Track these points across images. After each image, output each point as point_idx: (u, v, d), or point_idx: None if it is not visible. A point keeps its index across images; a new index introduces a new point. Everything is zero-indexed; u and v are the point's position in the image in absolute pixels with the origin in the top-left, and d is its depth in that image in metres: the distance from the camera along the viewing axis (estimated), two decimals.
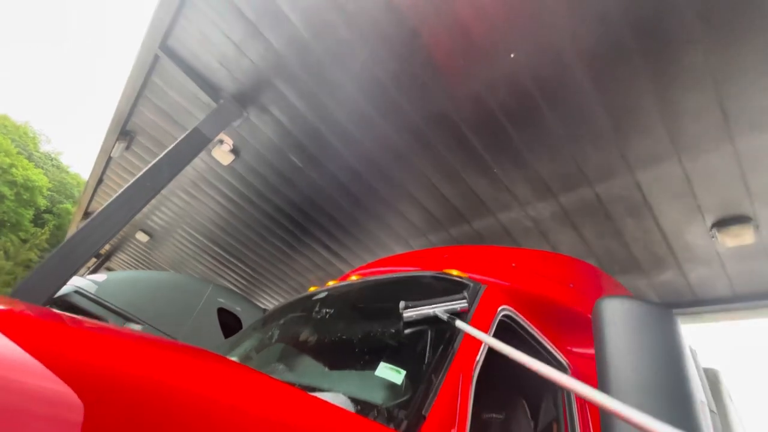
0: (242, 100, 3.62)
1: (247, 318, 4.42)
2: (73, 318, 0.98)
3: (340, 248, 5.36)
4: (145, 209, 6.50)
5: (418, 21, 2.52)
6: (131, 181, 3.04)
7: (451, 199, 3.81)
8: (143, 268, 9.72)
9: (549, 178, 3.23)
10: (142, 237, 7.20)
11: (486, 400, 1.50)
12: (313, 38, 2.85)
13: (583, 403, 1.39)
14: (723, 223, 2.99)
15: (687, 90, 2.37)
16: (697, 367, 2.36)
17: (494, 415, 1.43)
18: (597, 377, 0.68)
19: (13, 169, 31.06)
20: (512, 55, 2.54)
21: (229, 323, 4.39)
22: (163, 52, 3.36)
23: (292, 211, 4.91)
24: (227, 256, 6.94)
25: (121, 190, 2.96)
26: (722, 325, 3.95)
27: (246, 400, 0.73)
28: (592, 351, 1.67)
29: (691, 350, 2.42)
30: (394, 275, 1.49)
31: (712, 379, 2.41)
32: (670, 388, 0.60)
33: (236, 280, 7.83)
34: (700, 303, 3.75)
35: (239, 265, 7.08)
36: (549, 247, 3.85)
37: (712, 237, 3.10)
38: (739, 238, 2.95)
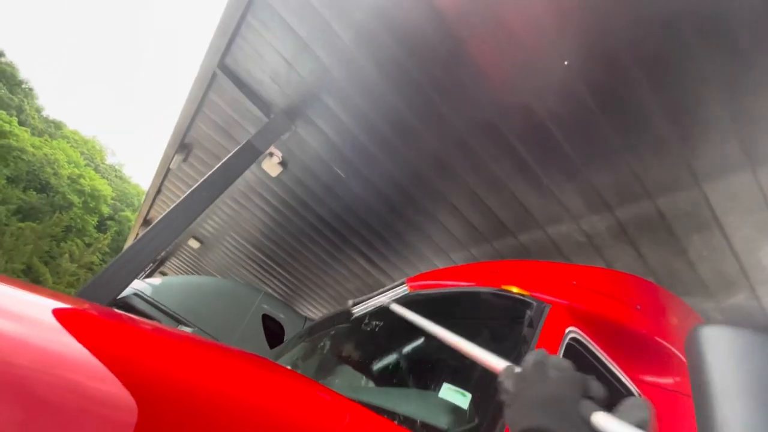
0: (291, 114, 3.75)
1: (289, 325, 4.50)
2: (134, 319, 1.02)
3: (379, 258, 5.36)
4: (198, 218, 6.89)
5: (463, 31, 2.50)
6: (188, 192, 3.22)
7: (495, 211, 3.71)
8: (194, 273, 10.24)
9: (604, 190, 3.06)
10: (194, 244, 7.61)
11: None
12: (358, 51, 2.92)
13: None
14: None
15: (761, 95, 2.17)
16: None
17: None
18: (696, 421, 0.60)
19: (82, 180, 34.15)
20: (566, 63, 2.45)
21: (272, 329, 4.49)
22: (220, 70, 3.57)
23: (334, 221, 4.99)
24: (271, 264, 7.16)
25: (179, 200, 3.15)
26: None
27: (307, 414, 0.71)
28: (664, 381, 1.54)
29: None
30: (451, 290, 1.44)
31: None
32: None
33: (278, 287, 8.05)
34: None
35: (281, 272, 7.27)
36: (603, 264, 3.63)
37: None
38: None
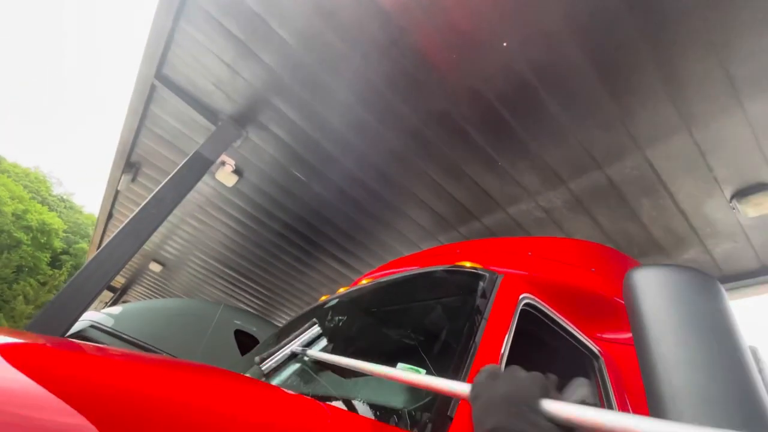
0: (240, 120, 3.63)
1: (263, 337, 4.37)
2: (83, 346, 0.96)
3: (350, 259, 5.31)
4: (156, 240, 6.57)
5: (404, 20, 2.50)
6: (136, 210, 3.05)
7: (457, 197, 3.75)
8: (159, 298, 9.78)
9: (557, 166, 3.15)
10: (155, 267, 7.25)
11: None
12: (303, 50, 2.86)
13: (620, 389, 1.30)
14: (743, 193, 2.88)
15: (689, 59, 2.30)
16: None
17: None
18: (638, 360, 0.61)
19: (28, 215, 31.81)
20: (504, 44, 2.50)
21: (248, 344, 4.35)
22: (159, 81, 3.40)
23: (299, 226, 4.89)
24: (241, 279, 6.94)
25: (127, 219, 2.97)
26: (753, 300, 3.79)
27: (262, 414, 0.70)
28: (622, 336, 1.59)
29: None
30: (406, 273, 1.43)
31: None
32: (724, 363, 0.54)
33: (252, 301, 7.82)
34: (728, 279, 3.60)
35: (253, 286, 7.07)
36: (564, 235, 3.75)
37: (733, 209, 2.98)
38: (761, 206, 2.83)
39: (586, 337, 1.34)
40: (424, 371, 0.76)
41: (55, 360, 0.69)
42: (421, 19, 2.48)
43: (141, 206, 3.02)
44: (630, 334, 1.55)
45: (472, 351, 0.87)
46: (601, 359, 1.32)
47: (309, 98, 3.23)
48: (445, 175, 3.55)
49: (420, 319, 1.09)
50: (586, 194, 3.32)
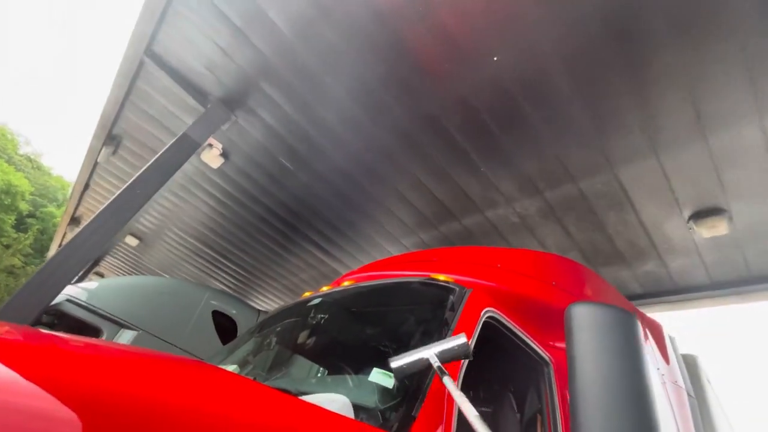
0: (230, 104, 3.62)
1: (242, 320, 4.45)
2: (63, 337, 0.99)
3: (332, 247, 5.41)
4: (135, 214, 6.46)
5: (402, 26, 2.56)
6: (121, 189, 3.04)
7: (440, 197, 3.89)
8: (134, 273, 9.64)
9: (534, 176, 3.32)
10: (131, 241, 7.15)
11: (475, 395, 1.58)
12: (300, 42, 2.88)
13: (565, 395, 1.48)
14: (699, 215, 3.13)
15: (661, 90, 2.47)
16: (676, 353, 2.49)
17: (483, 409, 1.51)
18: (568, 377, 0.75)
19: None
20: (495, 59, 2.60)
21: (224, 325, 4.42)
22: (148, 58, 3.34)
23: (283, 212, 4.94)
24: (219, 258, 6.93)
25: (112, 198, 2.96)
26: (701, 311, 4.12)
27: (240, 411, 0.74)
28: None
29: (670, 338, 2.55)
30: (384, 281, 1.56)
31: (691, 364, 2.54)
32: (626, 386, 0.68)
33: (228, 281, 7.83)
34: (680, 291, 3.91)
35: (231, 266, 7.08)
36: (535, 241, 3.96)
37: (690, 228, 3.23)
38: (714, 229, 3.09)
39: (539, 345, 1.51)
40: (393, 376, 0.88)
41: (38, 353, 0.72)
42: (418, 28, 2.54)
43: (126, 185, 3.02)
44: None
45: None
46: (551, 366, 1.50)
47: (301, 89, 3.26)
48: (430, 175, 3.67)
49: (394, 326, 1.22)
50: (558, 204, 3.51)
